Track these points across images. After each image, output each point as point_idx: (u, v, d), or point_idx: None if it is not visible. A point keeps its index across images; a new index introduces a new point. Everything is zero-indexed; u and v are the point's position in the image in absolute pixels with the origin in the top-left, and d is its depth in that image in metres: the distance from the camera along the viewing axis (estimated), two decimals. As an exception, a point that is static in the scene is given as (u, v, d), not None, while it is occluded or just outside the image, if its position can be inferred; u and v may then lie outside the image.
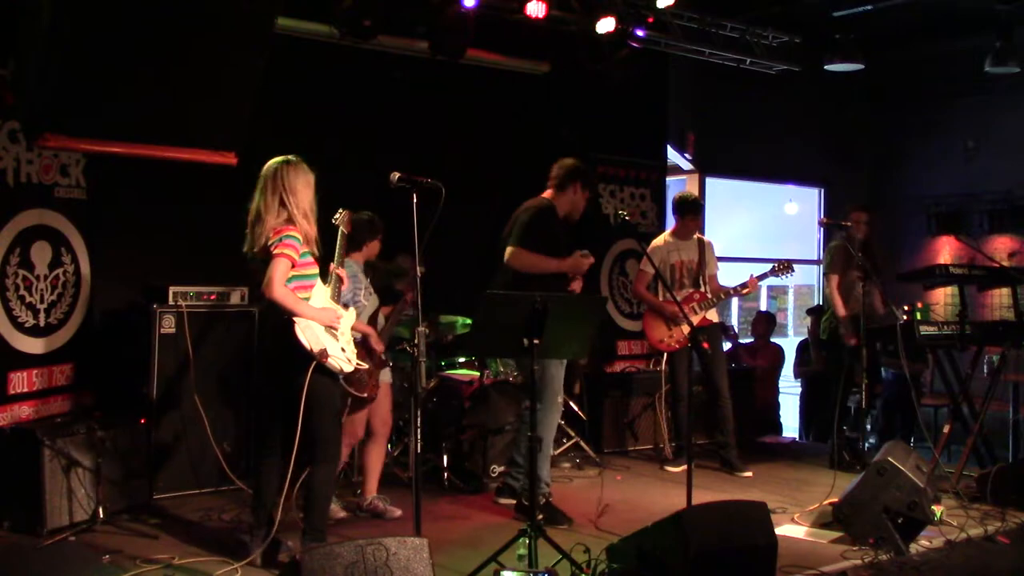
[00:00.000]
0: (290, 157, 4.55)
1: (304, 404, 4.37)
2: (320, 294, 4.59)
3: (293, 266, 4.41)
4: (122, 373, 5.99)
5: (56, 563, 4.70)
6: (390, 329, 5.58)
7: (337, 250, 4.85)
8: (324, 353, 4.42)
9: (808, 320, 10.21)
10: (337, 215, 4.98)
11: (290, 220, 4.45)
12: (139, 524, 5.27)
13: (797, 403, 10.29)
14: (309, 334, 4.41)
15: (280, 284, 4.37)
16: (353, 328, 5.30)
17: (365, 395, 5.33)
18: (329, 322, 4.52)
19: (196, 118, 4.80)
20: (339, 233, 4.92)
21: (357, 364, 4.68)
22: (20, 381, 5.42)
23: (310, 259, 4.55)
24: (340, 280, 4.73)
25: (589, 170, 5.94)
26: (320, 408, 4.45)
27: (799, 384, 10.15)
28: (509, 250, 5.57)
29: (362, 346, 5.34)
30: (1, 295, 5.35)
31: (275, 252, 4.37)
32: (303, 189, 4.51)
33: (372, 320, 5.49)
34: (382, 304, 5.68)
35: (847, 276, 6.95)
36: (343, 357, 4.54)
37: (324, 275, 4.69)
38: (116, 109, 4.58)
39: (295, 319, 4.40)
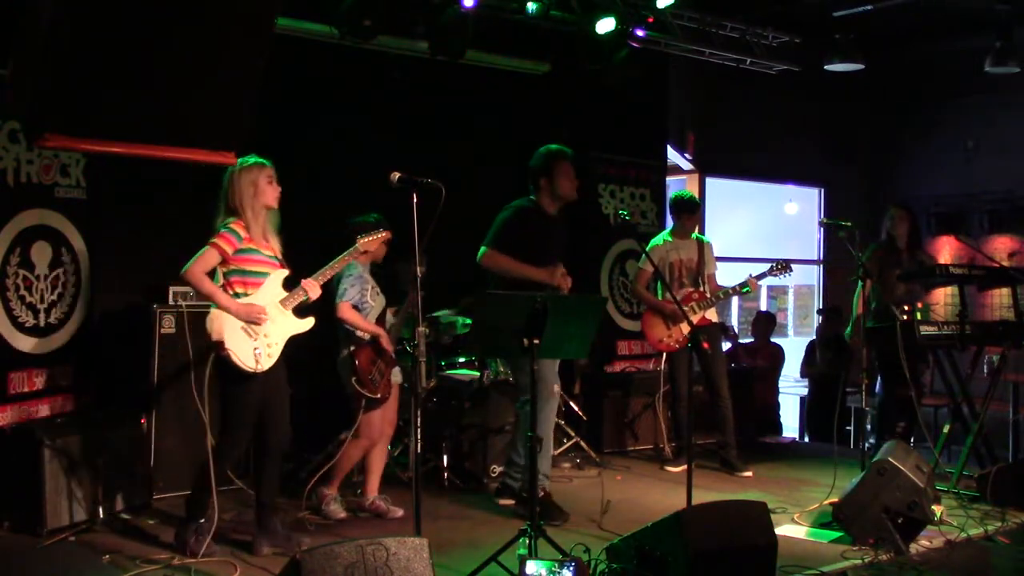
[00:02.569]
0: (242, 159, 4.70)
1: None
2: (266, 294, 4.67)
3: (225, 260, 4.58)
4: (122, 373, 6.00)
5: (56, 563, 4.70)
6: (398, 328, 5.59)
7: (333, 260, 4.89)
8: (221, 345, 4.52)
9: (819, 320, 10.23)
10: (370, 236, 5.04)
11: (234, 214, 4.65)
12: (139, 524, 5.28)
13: (797, 403, 10.31)
14: (216, 324, 4.54)
15: (198, 267, 4.54)
16: (364, 329, 5.31)
17: (378, 395, 5.34)
18: (246, 317, 4.58)
19: (196, 118, 4.80)
20: (352, 248, 4.98)
21: (260, 365, 4.67)
22: (20, 381, 5.42)
23: (259, 257, 4.66)
24: (304, 292, 4.77)
25: (553, 154, 5.61)
26: (222, 395, 4.67)
27: (805, 384, 10.15)
28: (481, 251, 5.53)
29: (372, 347, 5.35)
30: (1, 295, 5.36)
31: (210, 240, 4.59)
32: (244, 190, 4.66)
33: (380, 320, 5.50)
34: (388, 304, 5.68)
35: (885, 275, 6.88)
36: (251, 354, 4.58)
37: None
38: (116, 109, 4.57)
39: (212, 307, 4.58)
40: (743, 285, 6.88)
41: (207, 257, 4.57)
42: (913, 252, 6.93)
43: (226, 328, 4.55)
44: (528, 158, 5.77)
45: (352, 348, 5.35)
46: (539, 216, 5.65)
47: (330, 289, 5.22)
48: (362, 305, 5.39)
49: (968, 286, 6.75)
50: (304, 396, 5.40)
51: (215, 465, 4.65)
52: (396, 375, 5.56)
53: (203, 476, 4.69)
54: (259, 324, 4.62)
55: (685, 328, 6.70)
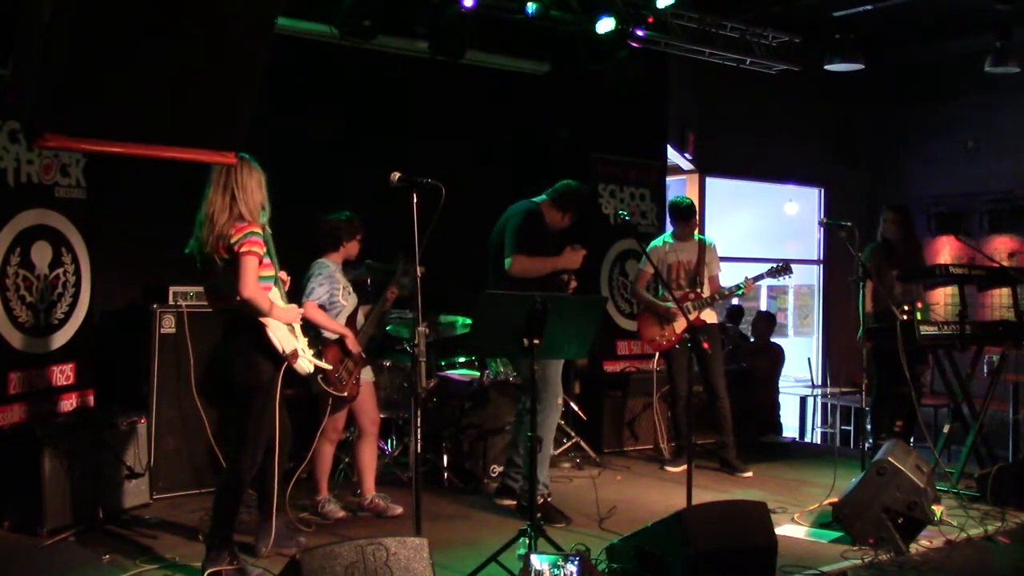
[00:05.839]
0: (242, 155, 4.42)
1: (272, 403, 4.36)
2: (276, 296, 4.55)
3: (260, 263, 4.32)
4: (122, 373, 6.00)
5: (56, 563, 4.69)
6: (371, 328, 5.59)
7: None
8: (295, 353, 4.42)
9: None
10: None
11: (242, 218, 4.34)
12: (139, 524, 5.28)
13: (797, 403, 10.31)
14: (280, 334, 4.40)
15: (254, 283, 4.25)
16: (330, 329, 5.32)
17: (345, 394, 5.34)
18: (293, 319, 4.51)
19: (195, 118, 4.79)
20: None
21: (315, 363, 4.67)
22: (20, 381, 5.42)
23: (267, 260, 4.45)
24: (283, 283, 4.70)
25: (585, 203, 6.02)
26: (249, 410, 4.38)
27: (796, 384, 10.18)
28: (508, 260, 5.56)
29: (339, 346, 5.35)
30: (1, 295, 5.35)
31: (242, 251, 4.24)
32: (256, 188, 4.42)
33: (351, 320, 5.48)
34: (362, 304, 5.68)
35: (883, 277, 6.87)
36: (306, 359, 4.53)
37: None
38: (116, 109, 4.57)
39: (265, 320, 4.33)
40: (738, 287, 6.90)
41: (254, 268, 4.26)
42: (909, 253, 6.93)
43: (289, 338, 4.41)
44: (528, 158, 5.79)
45: (319, 347, 5.31)
46: (542, 218, 5.77)
47: (300, 287, 5.21)
48: (331, 304, 5.39)
49: (968, 286, 6.75)
50: (304, 395, 5.41)
51: (239, 490, 4.42)
52: (367, 374, 5.56)
53: (224, 509, 4.40)
54: (298, 323, 4.54)
55: (678, 328, 6.79)
